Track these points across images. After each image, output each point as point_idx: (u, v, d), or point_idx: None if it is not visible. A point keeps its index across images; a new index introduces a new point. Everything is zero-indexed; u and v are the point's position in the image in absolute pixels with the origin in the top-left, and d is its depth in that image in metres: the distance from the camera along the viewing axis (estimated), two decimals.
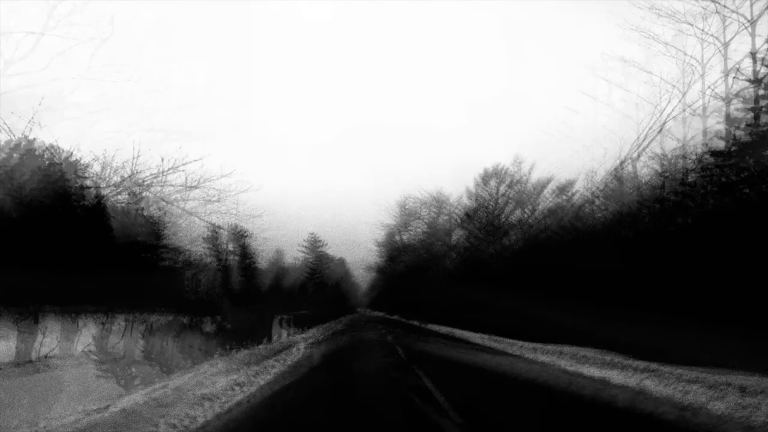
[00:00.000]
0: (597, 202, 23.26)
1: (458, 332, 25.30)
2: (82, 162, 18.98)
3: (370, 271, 51.61)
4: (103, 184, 21.18)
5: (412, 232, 39.50)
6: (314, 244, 41.60)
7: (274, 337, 26.98)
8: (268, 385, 10.82)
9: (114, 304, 16.48)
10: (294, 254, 42.72)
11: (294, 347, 19.11)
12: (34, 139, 18.68)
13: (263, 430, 7.64)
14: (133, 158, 20.33)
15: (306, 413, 8.69)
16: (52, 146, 17.99)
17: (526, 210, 31.50)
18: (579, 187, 27.39)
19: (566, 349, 15.55)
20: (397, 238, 40.58)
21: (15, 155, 17.17)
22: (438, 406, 8.50)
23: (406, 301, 40.56)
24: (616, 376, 10.67)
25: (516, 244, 29.71)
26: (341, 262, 53.21)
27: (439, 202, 37.68)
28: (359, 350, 20.54)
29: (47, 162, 17.64)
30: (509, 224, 32.15)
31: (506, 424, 7.70)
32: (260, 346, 19.60)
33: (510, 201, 32.52)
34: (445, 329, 28.26)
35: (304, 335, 27.75)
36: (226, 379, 10.78)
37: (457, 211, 35.47)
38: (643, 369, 11.47)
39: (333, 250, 45.22)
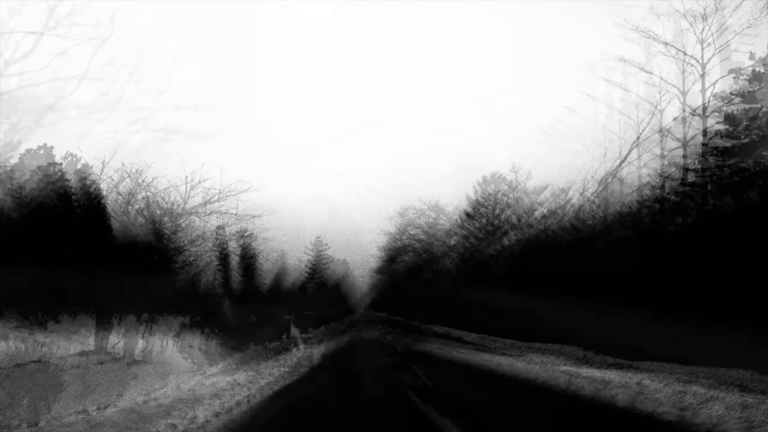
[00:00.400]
0: (597, 201, 23.24)
1: (458, 332, 25.33)
2: (82, 161, 19.03)
3: (371, 272, 51.67)
4: (103, 186, 21.19)
5: (411, 232, 39.61)
6: (318, 248, 41.70)
7: (275, 337, 26.97)
8: (268, 385, 10.82)
9: (114, 304, 16.49)
10: (296, 255, 42.75)
11: (294, 347, 19.12)
12: (45, 144, 18.73)
13: (263, 430, 7.64)
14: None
15: (306, 414, 8.69)
16: (52, 146, 18.05)
17: (525, 212, 31.50)
18: (578, 188, 27.38)
19: (566, 349, 15.55)
20: (398, 243, 40.82)
21: (15, 154, 17.21)
22: (438, 406, 8.50)
23: (406, 301, 40.58)
24: (615, 377, 10.66)
25: (516, 245, 29.71)
26: (344, 263, 53.11)
27: (436, 211, 37.94)
28: (359, 350, 20.54)
29: (47, 162, 17.67)
30: (510, 224, 32.14)
31: (506, 424, 7.70)
32: (260, 346, 19.60)
33: (509, 203, 32.55)
34: (444, 329, 28.30)
35: (304, 335, 27.75)
36: (226, 379, 10.78)
37: (456, 214, 35.61)
38: (644, 369, 11.47)
39: (333, 250, 45.24)
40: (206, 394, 9.18)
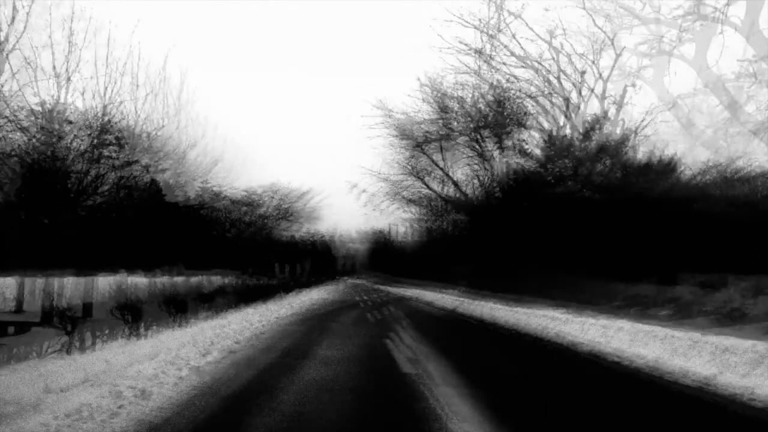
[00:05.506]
0: None
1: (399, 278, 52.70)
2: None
3: (365, 252, 79.72)
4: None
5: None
6: (331, 239, 68.38)
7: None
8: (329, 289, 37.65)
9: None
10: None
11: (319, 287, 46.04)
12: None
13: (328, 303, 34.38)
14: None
15: (342, 294, 35.52)
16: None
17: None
18: None
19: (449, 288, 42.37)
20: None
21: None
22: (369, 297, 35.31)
23: (385, 267, 68.43)
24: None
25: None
26: (346, 238, 79.50)
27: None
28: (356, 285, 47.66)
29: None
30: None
31: (395, 316, 34.54)
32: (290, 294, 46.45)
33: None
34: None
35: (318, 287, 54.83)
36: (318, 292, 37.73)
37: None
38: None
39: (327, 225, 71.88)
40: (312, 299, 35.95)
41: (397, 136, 30.31)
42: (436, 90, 26.84)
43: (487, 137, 24.56)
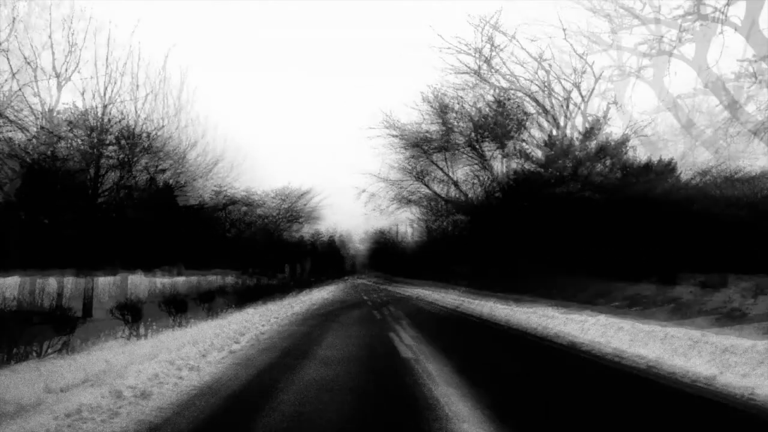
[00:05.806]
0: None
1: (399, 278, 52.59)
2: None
3: (366, 251, 79.54)
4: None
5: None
6: (331, 239, 68.79)
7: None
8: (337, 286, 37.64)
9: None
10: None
11: (331, 284, 46.08)
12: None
13: (335, 301, 34.41)
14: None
15: (343, 292, 35.55)
16: None
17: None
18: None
19: (427, 282, 42.30)
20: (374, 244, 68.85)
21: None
22: (374, 291, 35.29)
23: (386, 266, 68.28)
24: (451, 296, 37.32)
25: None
26: (347, 238, 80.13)
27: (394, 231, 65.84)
28: (356, 285, 47.71)
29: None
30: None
31: (384, 301, 34.57)
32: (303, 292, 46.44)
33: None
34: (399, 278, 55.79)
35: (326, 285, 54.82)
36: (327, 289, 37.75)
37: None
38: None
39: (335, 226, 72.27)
40: (323, 296, 35.93)
41: (397, 136, 30.34)
42: (437, 94, 26.92)
43: (487, 138, 24.60)
